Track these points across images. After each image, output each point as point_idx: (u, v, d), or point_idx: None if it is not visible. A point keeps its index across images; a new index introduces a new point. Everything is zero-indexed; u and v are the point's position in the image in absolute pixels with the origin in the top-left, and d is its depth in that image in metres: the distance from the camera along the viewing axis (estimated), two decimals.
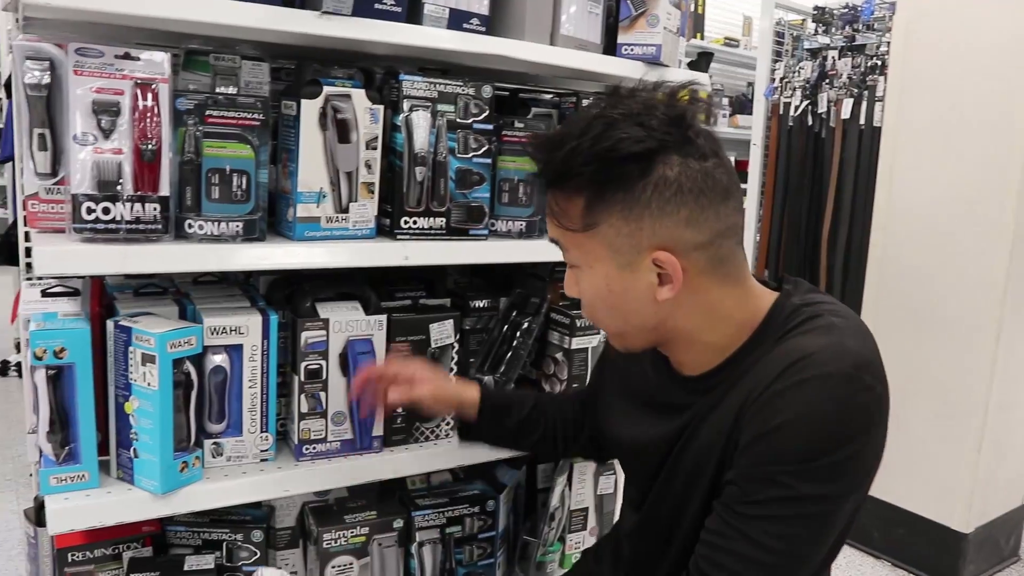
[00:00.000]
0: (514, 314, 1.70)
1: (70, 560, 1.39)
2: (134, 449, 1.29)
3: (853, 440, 0.95)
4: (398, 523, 1.57)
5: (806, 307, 1.05)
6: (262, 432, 1.40)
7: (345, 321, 1.42)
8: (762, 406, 0.97)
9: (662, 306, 1.05)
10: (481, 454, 1.58)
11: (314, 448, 1.43)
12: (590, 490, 1.99)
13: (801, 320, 1.03)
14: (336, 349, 1.42)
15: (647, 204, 1.00)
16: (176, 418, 1.28)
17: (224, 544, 1.48)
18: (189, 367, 1.29)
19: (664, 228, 1.00)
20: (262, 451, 1.41)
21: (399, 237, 1.43)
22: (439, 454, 1.55)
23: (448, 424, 1.57)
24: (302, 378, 1.40)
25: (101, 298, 1.38)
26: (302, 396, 1.40)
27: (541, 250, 1.59)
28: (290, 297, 1.50)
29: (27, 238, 1.26)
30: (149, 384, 1.25)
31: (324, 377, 1.42)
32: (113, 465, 1.32)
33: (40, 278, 1.47)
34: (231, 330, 1.34)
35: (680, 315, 1.07)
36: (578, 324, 1.65)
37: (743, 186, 2.17)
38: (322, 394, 1.42)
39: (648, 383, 1.21)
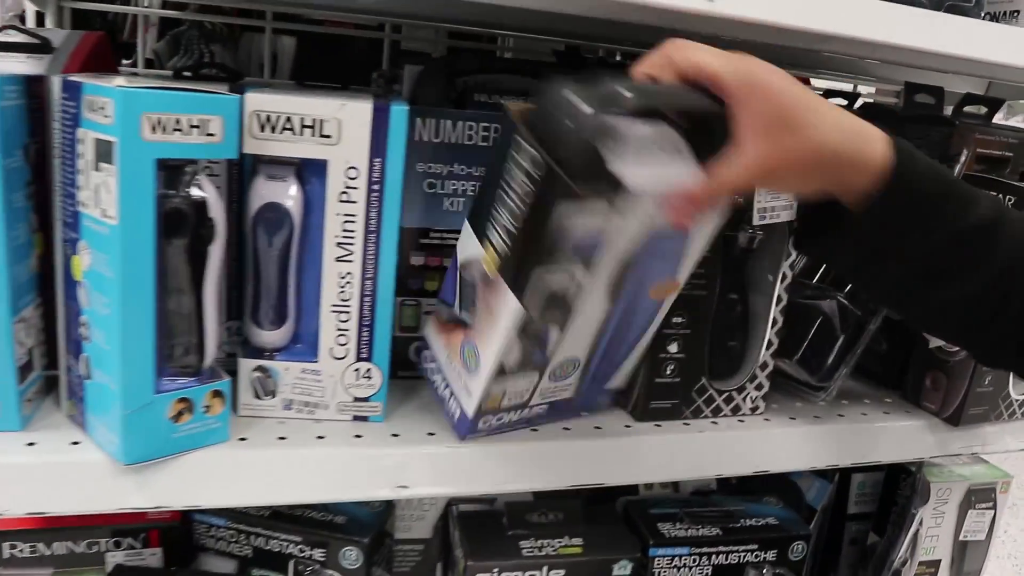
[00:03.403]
0: None
1: (6, 555, 0.74)
2: (84, 360, 0.59)
3: None
4: (623, 568, 0.80)
5: None
6: (358, 360, 0.66)
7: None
8: None
9: None
10: (820, 451, 0.77)
11: (494, 418, 0.67)
12: (949, 531, 1.13)
13: None
14: None
15: None
16: (166, 297, 0.57)
17: (292, 563, 0.78)
18: (203, 187, 0.57)
19: None
20: (357, 399, 0.67)
21: None
22: (738, 443, 0.75)
23: (759, 390, 0.78)
24: None
25: (95, 60, 0.70)
26: None
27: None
28: (460, 97, 0.76)
29: None
30: (105, 212, 0.54)
31: None
32: (63, 388, 0.64)
33: None
34: (301, 126, 0.61)
35: None
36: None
37: None
38: None
39: None
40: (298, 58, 1.12)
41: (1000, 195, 0.79)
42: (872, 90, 1.35)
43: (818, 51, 0.90)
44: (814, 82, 1.32)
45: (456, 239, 0.74)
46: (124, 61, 1.11)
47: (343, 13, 1.03)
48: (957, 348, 0.84)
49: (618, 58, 1.21)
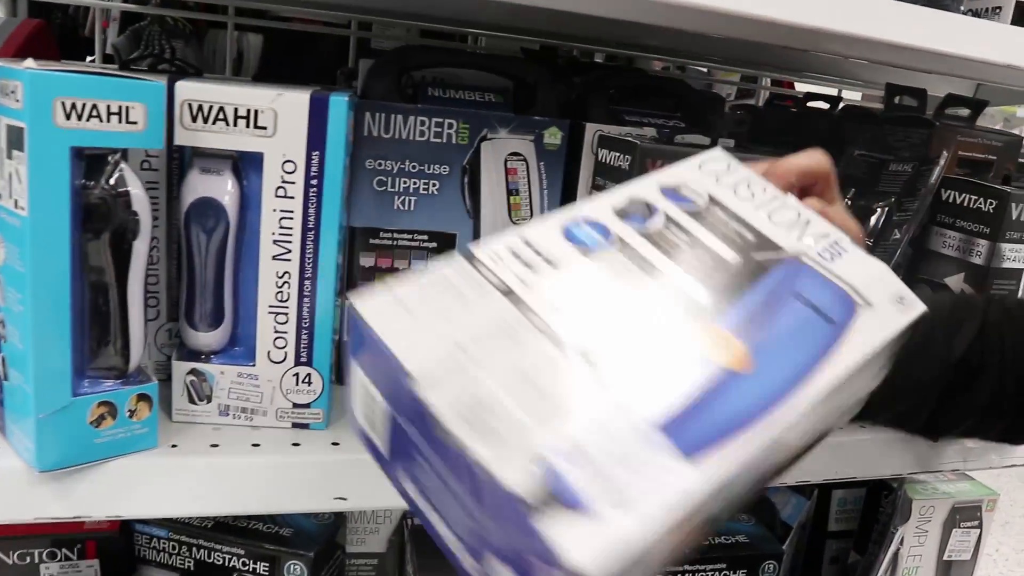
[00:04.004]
0: (851, 192, 0.82)
1: None
2: (3, 361, 0.56)
3: None
4: None
5: None
6: (297, 364, 0.63)
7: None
8: None
9: None
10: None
11: None
12: (932, 550, 1.09)
13: None
14: None
15: None
16: (86, 295, 0.54)
17: (234, 574, 0.75)
18: (126, 179, 0.54)
19: None
20: (296, 405, 0.64)
21: None
22: None
23: None
24: None
25: (32, 48, 0.67)
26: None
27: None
28: (415, 88, 0.73)
29: None
30: (17, 203, 0.51)
31: None
32: None
33: None
34: (235, 117, 0.58)
35: None
36: (1014, 214, 0.75)
37: None
38: None
39: None
40: (265, 56, 1.09)
41: (981, 199, 0.76)
42: (859, 96, 1.32)
43: (801, 50, 0.87)
44: (799, 86, 1.29)
45: (409, 239, 0.71)
46: (89, 58, 1.09)
47: (308, 9, 1.01)
48: None
49: (597, 59, 1.18)
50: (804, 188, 0.51)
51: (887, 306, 0.41)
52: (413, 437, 0.33)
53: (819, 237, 0.43)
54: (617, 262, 0.38)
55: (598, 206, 0.42)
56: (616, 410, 0.31)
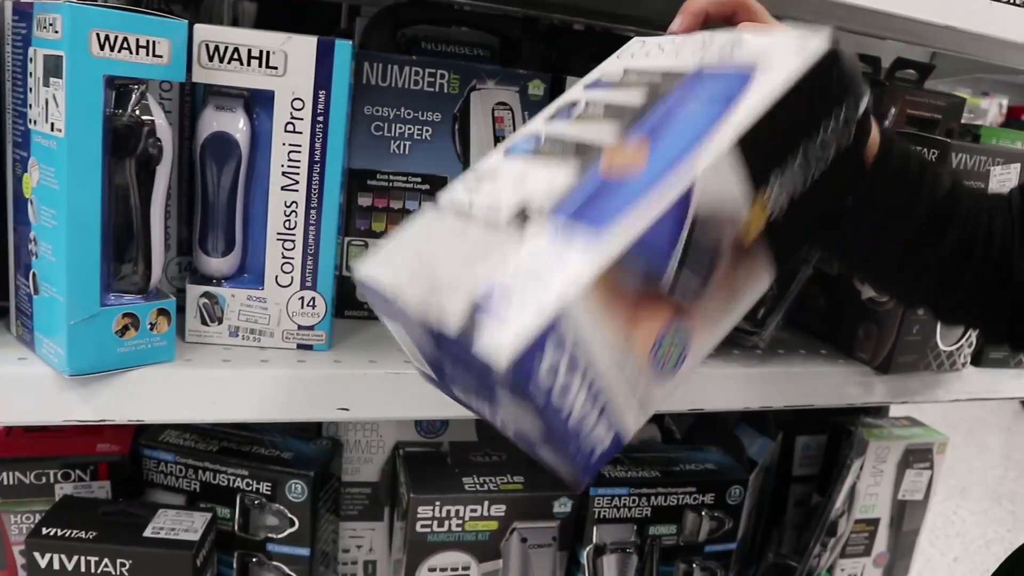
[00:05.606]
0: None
1: None
2: (33, 276, 0.61)
3: None
4: (562, 506, 0.82)
5: None
6: (302, 288, 0.68)
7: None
8: None
9: None
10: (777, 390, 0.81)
11: None
12: (888, 489, 1.17)
13: None
14: None
15: None
16: (113, 215, 0.60)
17: (240, 496, 0.80)
18: (151, 109, 0.60)
19: None
20: (301, 327, 0.69)
21: None
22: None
23: None
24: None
25: None
26: None
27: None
28: (409, 43, 0.79)
29: None
30: (54, 126, 0.56)
31: None
32: (12, 312, 0.65)
33: None
34: (248, 57, 0.63)
35: None
36: (955, 163, 0.82)
37: None
38: None
39: None
40: (259, 24, 1.14)
41: (924, 149, 0.83)
42: None
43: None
44: None
45: (403, 181, 0.77)
46: None
47: None
48: (887, 299, 0.88)
49: (577, 27, 1.24)
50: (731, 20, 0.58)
51: (786, 60, 0.45)
52: (432, 344, 0.43)
53: (720, 46, 0.51)
54: (541, 153, 0.49)
55: (536, 121, 0.54)
56: (534, 239, 0.40)
